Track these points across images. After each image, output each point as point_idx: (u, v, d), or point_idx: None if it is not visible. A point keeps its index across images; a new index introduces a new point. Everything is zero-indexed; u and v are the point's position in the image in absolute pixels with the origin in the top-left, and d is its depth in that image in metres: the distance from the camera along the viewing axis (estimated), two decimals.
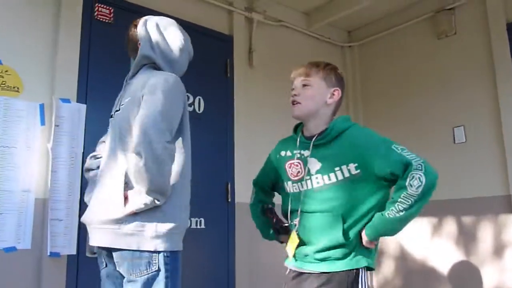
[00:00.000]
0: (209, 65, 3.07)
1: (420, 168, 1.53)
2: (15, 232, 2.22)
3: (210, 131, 3.03)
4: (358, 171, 1.53)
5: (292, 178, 1.64)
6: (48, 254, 2.25)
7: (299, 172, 1.62)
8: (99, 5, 2.64)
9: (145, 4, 2.81)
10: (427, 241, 3.41)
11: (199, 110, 3.01)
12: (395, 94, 3.77)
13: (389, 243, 3.67)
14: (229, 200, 3.04)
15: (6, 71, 2.30)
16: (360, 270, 1.53)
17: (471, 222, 3.18)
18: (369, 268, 1.57)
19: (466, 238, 3.19)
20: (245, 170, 3.01)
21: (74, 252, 2.34)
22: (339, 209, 1.53)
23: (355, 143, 1.57)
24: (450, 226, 3.29)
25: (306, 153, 1.61)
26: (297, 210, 1.61)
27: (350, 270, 1.52)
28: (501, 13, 3.13)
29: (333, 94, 1.67)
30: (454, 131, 3.33)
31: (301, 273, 1.60)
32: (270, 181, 1.82)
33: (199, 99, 3.00)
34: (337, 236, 1.51)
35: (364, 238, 1.54)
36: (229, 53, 3.26)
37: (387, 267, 3.68)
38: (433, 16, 3.52)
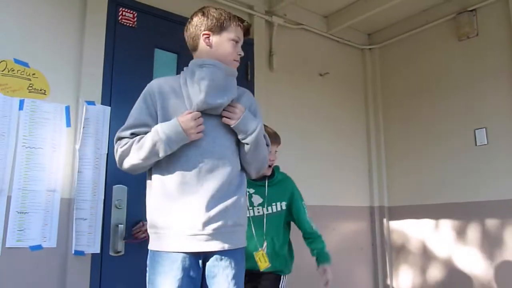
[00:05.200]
0: None
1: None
2: (41, 230, 2.27)
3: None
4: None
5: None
6: (73, 252, 2.30)
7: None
8: (123, 9, 2.70)
9: (167, 8, 2.86)
10: (450, 244, 3.37)
11: None
12: (416, 96, 3.75)
13: (410, 244, 3.64)
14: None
15: (34, 74, 2.36)
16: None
17: (493, 225, 3.13)
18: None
19: (489, 241, 3.14)
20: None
21: (98, 250, 2.38)
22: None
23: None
24: (472, 228, 3.25)
25: (251, 190, 2.25)
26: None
27: None
28: None
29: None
30: (476, 133, 3.29)
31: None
32: None
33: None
34: None
35: None
36: (249, 56, 3.28)
37: (409, 270, 3.64)
38: (455, 17, 3.49)
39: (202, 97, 1.60)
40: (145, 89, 1.71)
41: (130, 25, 2.74)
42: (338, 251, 3.26)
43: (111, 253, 2.43)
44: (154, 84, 1.70)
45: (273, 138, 2.22)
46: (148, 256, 1.64)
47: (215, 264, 1.59)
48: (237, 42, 1.74)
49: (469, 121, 3.34)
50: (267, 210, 2.23)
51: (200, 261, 1.59)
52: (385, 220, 3.83)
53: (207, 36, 1.70)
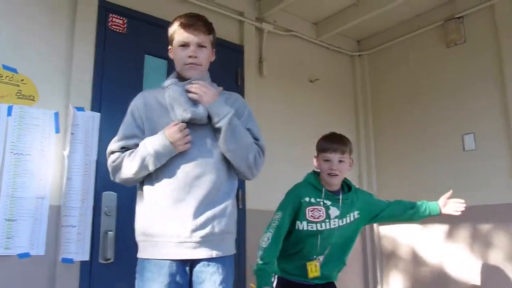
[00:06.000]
0: (220, 74, 3.11)
1: None
2: (29, 238, 2.25)
3: None
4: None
5: (311, 220, 2.20)
6: (61, 260, 2.28)
7: (320, 216, 2.21)
8: (113, 15, 2.70)
9: (157, 15, 2.87)
10: (439, 248, 3.40)
11: None
12: (405, 103, 3.78)
13: (401, 249, 3.66)
14: (240, 207, 3.05)
15: (22, 80, 2.35)
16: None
17: (482, 229, 3.16)
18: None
19: (478, 245, 3.17)
20: (256, 177, 3.02)
21: (87, 258, 2.36)
22: None
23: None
24: (462, 233, 3.28)
25: (328, 202, 2.23)
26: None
27: None
28: (510, 21, 3.14)
29: (350, 165, 2.31)
30: (464, 139, 3.33)
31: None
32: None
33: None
34: None
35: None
36: (240, 62, 3.30)
37: (399, 275, 3.66)
38: (442, 24, 3.53)
39: (180, 112, 1.63)
40: (132, 103, 1.75)
41: (120, 31, 2.73)
42: None
43: (101, 261, 2.41)
44: (139, 98, 1.75)
45: (330, 143, 2.27)
46: (137, 263, 1.65)
47: (202, 270, 1.59)
48: (183, 45, 1.69)
49: (458, 126, 3.38)
50: (342, 222, 2.24)
51: (187, 268, 1.59)
52: (375, 226, 3.85)
53: (170, 50, 1.78)
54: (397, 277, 3.67)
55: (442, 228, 3.39)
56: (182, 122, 1.63)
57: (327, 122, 3.83)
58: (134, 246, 1.68)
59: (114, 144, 1.70)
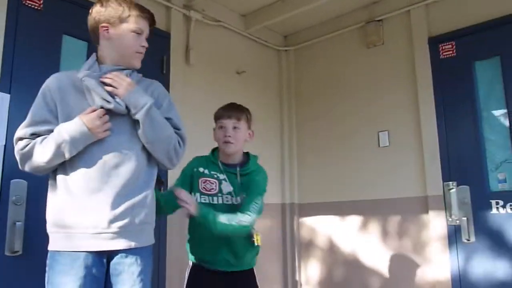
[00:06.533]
0: (145, 61, 3.04)
1: (252, 214, 2.01)
2: None
3: None
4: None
5: (204, 192, 2.06)
6: None
7: (212, 189, 2.06)
8: None
9: None
10: (353, 237, 3.59)
11: None
12: (327, 98, 3.93)
13: (318, 239, 3.81)
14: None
15: None
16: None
17: (394, 221, 3.38)
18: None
19: (389, 235, 3.39)
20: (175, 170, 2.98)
21: None
22: None
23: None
24: (374, 224, 3.49)
25: (222, 176, 2.08)
26: None
27: None
28: (424, 27, 3.36)
29: (250, 135, 2.19)
30: (379, 135, 3.53)
31: None
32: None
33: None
34: None
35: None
36: (165, 49, 3.22)
37: (316, 265, 3.81)
38: (363, 26, 3.71)
39: (99, 99, 1.58)
40: (43, 85, 1.64)
41: (36, 7, 2.54)
42: None
43: (7, 253, 2.25)
44: (53, 80, 1.65)
45: (225, 109, 2.15)
46: (48, 256, 1.58)
47: (120, 261, 1.55)
48: (139, 34, 1.69)
49: (374, 123, 3.57)
50: (236, 201, 2.06)
51: (104, 260, 1.54)
52: (295, 217, 3.97)
53: (106, 28, 1.65)
54: (314, 266, 3.82)
55: (357, 219, 3.58)
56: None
57: (253, 113, 3.86)
58: (45, 238, 1.59)
59: (22, 130, 1.59)
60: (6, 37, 2.38)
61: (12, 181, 2.29)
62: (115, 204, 1.53)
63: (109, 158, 1.56)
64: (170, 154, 1.68)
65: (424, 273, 3.16)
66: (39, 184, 1.95)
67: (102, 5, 1.66)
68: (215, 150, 2.20)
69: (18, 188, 2.30)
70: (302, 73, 4.18)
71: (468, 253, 2.99)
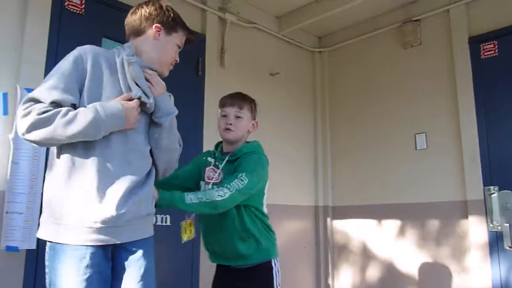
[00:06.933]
0: (181, 63, 3.09)
1: (230, 189, 1.81)
2: None
3: (179, 129, 3.00)
4: None
5: (207, 180, 1.99)
6: (5, 248, 2.18)
7: (214, 177, 1.99)
8: None
9: None
10: (389, 244, 3.51)
11: None
12: (361, 100, 3.87)
13: (352, 243, 3.76)
14: None
15: None
16: None
17: (432, 225, 3.30)
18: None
19: (426, 241, 3.30)
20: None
21: (33, 246, 2.26)
22: None
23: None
24: (410, 229, 3.41)
25: (221, 165, 1.99)
26: None
27: None
28: (464, 26, 3.27)
29: (253, 125, 2.09)
30: (416, 138, 3.45)
31: None
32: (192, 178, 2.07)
33: (170, 96, 2.98)
34: None
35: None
36: (201, 52, 3.26)
37: (350, 269, 3.75)
38: (400, 26, 3.64)
39: (138, 90, 1.54)
40: (76, 51, 1.50)
41: (78, 12, 2.63)
42: (282, 250, 3.28)
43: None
44: (88, 49, 1.52)
45: (229, 97, 2.09)
46: (47, 251, 1.45)
47: (126, 256, 1.51)
48: (179, 48, 1.74)
49: (410, 126, 3.49)
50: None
51: (109, 253, 1.49)
52: (329, 220, 3.93)
53: (159, 30, 1.65)
54: (347, 270, 3.77)
55: (392, 223, 3.51)
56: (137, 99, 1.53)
57: (286, 116, 3.86)
58: None
59: (44, 92, 1.40)
60: (49, 40, 2.47)
61: None
62: (125, 197, 1.47)
63: (127, 152, 1.52)
64: (170, 165, 1.71)
65: (464, 282, 3.05)
66: None
67: (161, 8, 1.67)
68: (222, 142, 2.14)
69: None
70: (336, 75, 4.14)
71: (511, 262, 2.87)
